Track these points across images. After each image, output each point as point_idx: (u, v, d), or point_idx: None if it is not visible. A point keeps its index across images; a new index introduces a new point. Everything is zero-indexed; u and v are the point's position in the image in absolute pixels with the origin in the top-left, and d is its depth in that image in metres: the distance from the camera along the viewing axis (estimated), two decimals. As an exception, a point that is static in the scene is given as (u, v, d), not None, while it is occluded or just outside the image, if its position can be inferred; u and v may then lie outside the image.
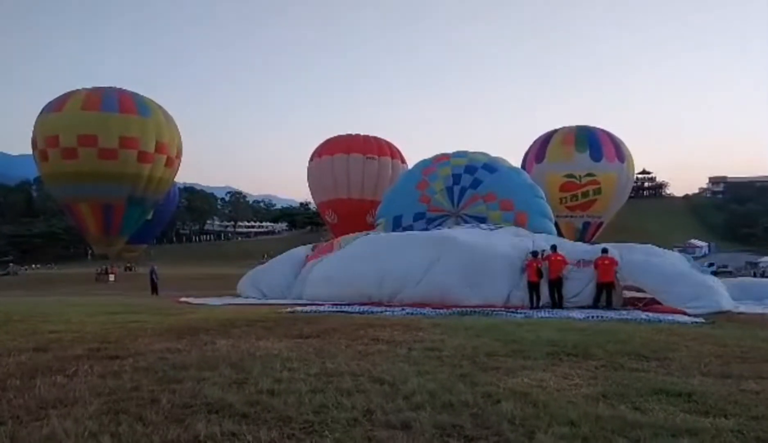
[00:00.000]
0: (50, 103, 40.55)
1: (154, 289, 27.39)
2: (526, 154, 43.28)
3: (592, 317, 11.88)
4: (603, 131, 42.47)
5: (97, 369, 5.58)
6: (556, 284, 14.74)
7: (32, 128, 40.86)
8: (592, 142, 40.72)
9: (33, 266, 73.17)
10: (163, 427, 3.84)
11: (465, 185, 23.14)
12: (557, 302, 14.59)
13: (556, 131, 43.03)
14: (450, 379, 5.29)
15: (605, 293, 14.53)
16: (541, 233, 20.74)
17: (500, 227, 19.75)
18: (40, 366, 5.66)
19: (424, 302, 14.55)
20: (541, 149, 42.12)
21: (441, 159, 25.15)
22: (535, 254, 15.28)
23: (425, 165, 25.32)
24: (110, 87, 41.79)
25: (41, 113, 40.50)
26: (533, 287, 14.78)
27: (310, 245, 22.02)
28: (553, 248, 15.61)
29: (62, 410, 4.20)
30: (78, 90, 40.87)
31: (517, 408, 4.31)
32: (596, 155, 40.26)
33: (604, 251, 15.34)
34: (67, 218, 60.23)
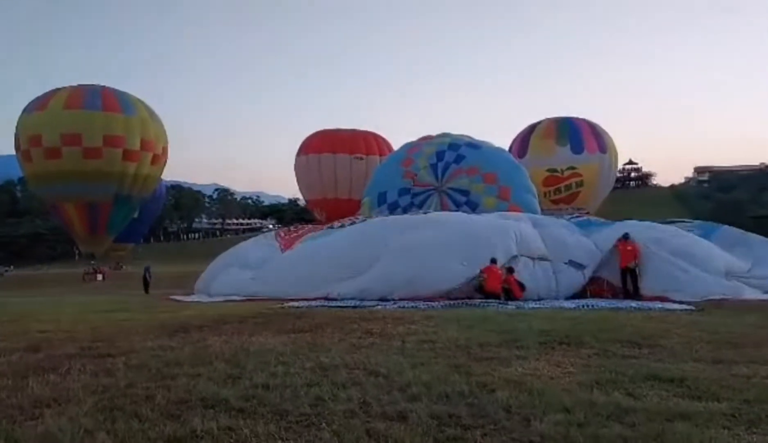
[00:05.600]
0: (32, 102, 40.00)
1: (147, 288, 27.21)
2: (509, 149, 43.44)
3: (584, 306, 11.97)
4: (584, 121, 42.62)
5: (90, 367, 5.54)
6: (626, 274, 14.28)
7: (12, 126, 40.38)
8: (572, 134, 40.97)
9: (9, 267, 72.01)
10: (159, 423, 3.82)
11: (449, 160, 23.76)
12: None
13: (536, 124, 43.18)
14: (444, 370, 5.31)
15: (630, 279, 14.19)
16: (524, 208, 21.24)
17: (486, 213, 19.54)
18: (32, 366, 5.61)
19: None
20: (522, 144, 42.33)
21: (426, 139, 25.72)
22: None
23: (410, 145, 25.99)
24: (93, 85, 41.25)
25: (23, 112, 39.93)
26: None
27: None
28: (625, 236, 14.87)
29: (56, 408, 4.18)
30: (61, 88, 40.32)
31: (513, 397, 4.34)
32: (577, 148, 40.55)
33: (626, 236, 14.86)
34: (52, 218, 59.63)
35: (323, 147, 41.72)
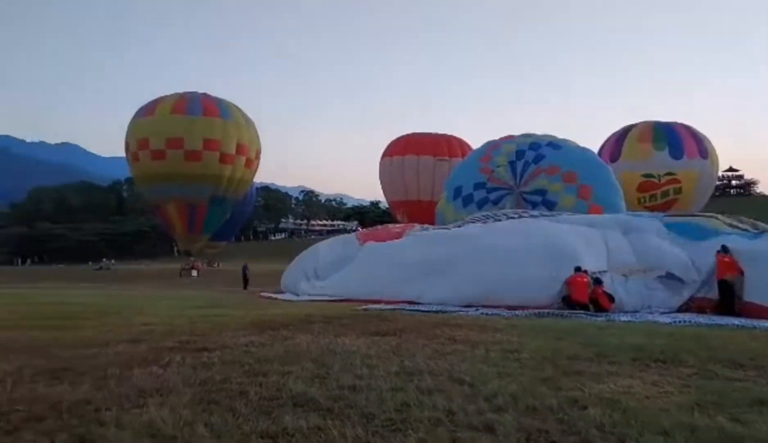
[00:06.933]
0: (142, 108, 43.28)
1: (246, 284, 28.54)
2: (600, 151, 41.70)
3: (679, 321, 11.29)
4: (683, 125, 40.08)
5: (188, 360, 5.85)
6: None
7: (121, 131, 43.95)
8: (671, 138, 38.55)
9: (111, 262, 77.53)
10: (252, 419, 3.98)
11: (528, 159, 23.37)
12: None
13: (631, 127, 41.03)
14: (532, 382, 5.17)
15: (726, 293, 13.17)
16: (607, 207, 20.51)
17: (564, 215, 18.56)
18: (136, 357, 6.00)
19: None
20: (615, 146, 40.30)
21: (507, 138, 25.46)
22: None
23: (491, 143, 25.94)
24: (195, 92, 43.98)
25: (134, 117, 43.21)
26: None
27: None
28: (723, 248, 13.91)
29: (159, 399, 4.44)
30: (167, 95, 43.28)
31: (606, 415, 4.16)
32: (676, 153, 38.12)
33: (724, 248, 13.85)
34: (154, 217, 63.56)
35: (407, 150, 42.23)
